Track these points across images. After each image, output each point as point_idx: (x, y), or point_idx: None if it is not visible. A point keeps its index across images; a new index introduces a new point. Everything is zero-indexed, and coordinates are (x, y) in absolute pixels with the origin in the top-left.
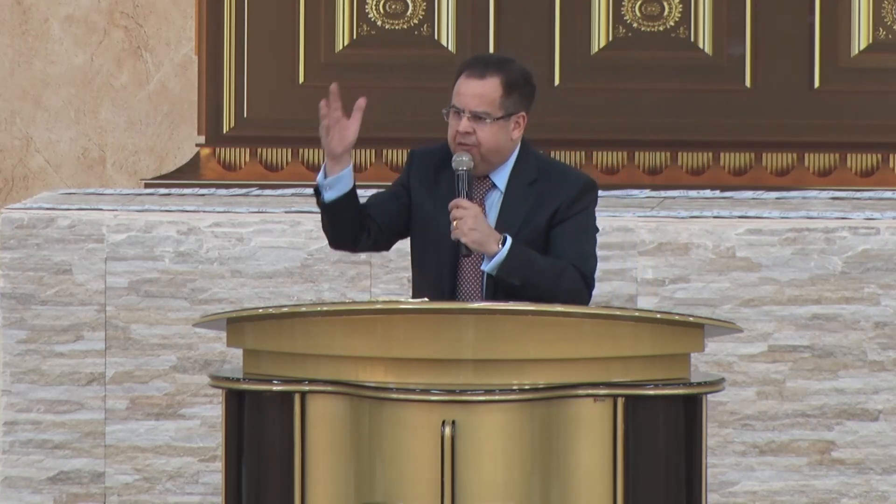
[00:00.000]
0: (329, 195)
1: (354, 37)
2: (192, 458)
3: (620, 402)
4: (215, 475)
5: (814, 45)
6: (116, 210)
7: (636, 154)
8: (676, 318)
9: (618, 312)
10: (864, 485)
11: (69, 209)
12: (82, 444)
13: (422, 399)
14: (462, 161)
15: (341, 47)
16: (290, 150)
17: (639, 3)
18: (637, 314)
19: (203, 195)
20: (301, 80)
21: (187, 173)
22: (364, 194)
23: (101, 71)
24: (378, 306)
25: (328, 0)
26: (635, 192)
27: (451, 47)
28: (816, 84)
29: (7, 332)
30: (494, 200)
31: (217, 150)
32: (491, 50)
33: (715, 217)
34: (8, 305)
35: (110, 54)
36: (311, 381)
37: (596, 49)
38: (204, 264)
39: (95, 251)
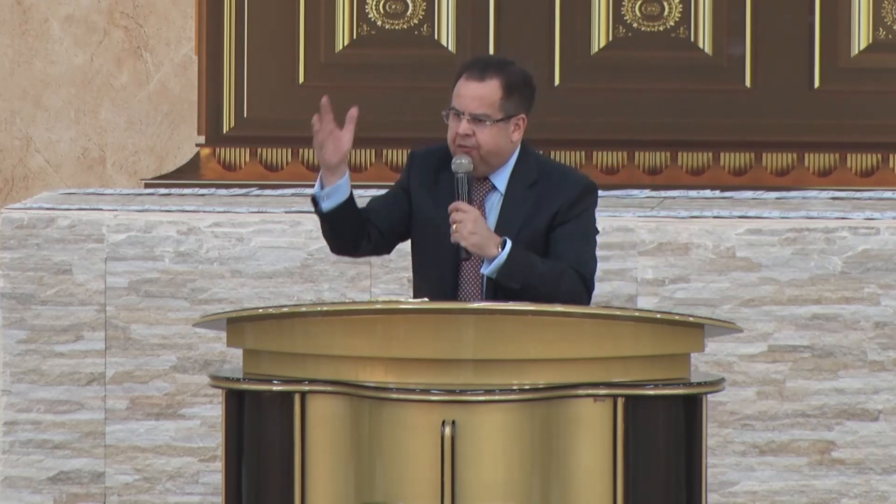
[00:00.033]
0: (327, 205)
1: (354, 37)
2: (192, 458)
3: (620, 402)
4: (215, 475)
5: (814, 45)
6: (116, 210)
7: (636, 154)
8: (676, 318)
9: (618, 312)
10: (864, 485)
11: (69, 209)
12: (82, 444)
13: (422, 399)
14: (461, 164)
15: (341, 47)
16: (290, 150)
17: (639, 3)
18: (637, 314)
19: (203, 195)
20: (301, 80)
21: (187, 173)
22: (364, 194)
23: (101, 71)
24: (378, 306)
25: (328, 0)
26: (635, 192)
27: (451, 47)
28: (816, 84)
29: (7, 332)
30: (494, 202)
31: (217, 150)
32: (491, 50)
33: (715, 217)
34: (8, 305)
35: (110, 54)
36: (311, 381)
37: (596, 49)
38: (204, 264)
39: (95, 251)
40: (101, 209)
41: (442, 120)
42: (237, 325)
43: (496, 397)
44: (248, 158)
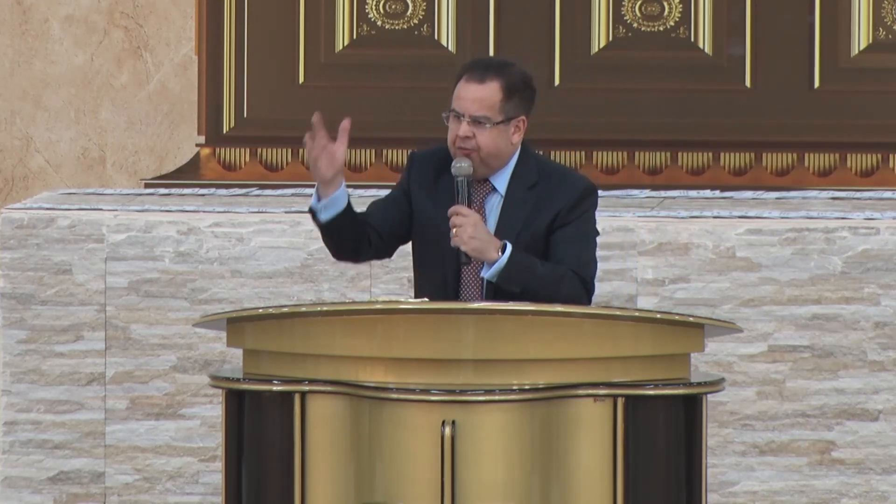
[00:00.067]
0: (325, 216)
1: (354, 37)
2: (192, 458)
3: (620, 402)
4: (215, 475)
5: (814, 45)
6: (116, 210)
7: (636, 154)
8: (676, 318)
9: (618, 312)
10: (864, 485)
11: (69, 209)
12: (82, 444)
13: (422, 399)
14: (461, 167)
15: (341, 47)
16: (290, 150)
17: (639, 3)
18: (637, 314)
19: (203, 195)
20: (301, 80)
21: (187, 173)
22: (364, 194)
23: (101, 71)
24: (378, 306)
25: (328, 0)
26: (635, 192)
27: (451, 47)
28: (816, 84)
29: (7, 332)
30: (494, 204)
31: (217, 150)
32: (491, 50)
33: (715, 217)
34: (8, 305)
35: (110, 54)
36: (311, 381)
37: (596, 49)
38: (204, 264)
39: (95, 251)
40: (101, 209)
41: (442, 120)
42: (237, 325)
43: (496, 397)
44: (248, 158)
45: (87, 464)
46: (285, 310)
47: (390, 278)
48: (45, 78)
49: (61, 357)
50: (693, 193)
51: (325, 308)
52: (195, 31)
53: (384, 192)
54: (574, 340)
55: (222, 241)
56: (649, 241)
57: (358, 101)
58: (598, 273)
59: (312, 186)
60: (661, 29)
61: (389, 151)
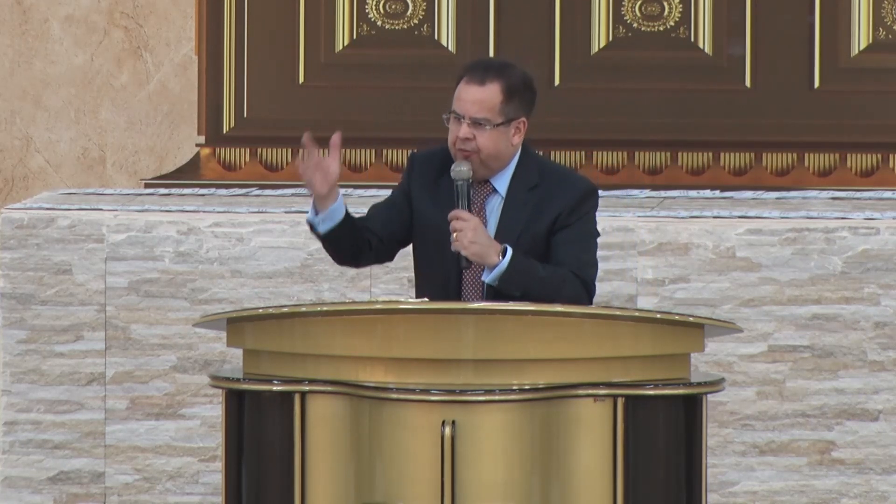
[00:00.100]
0: (323, 228)
1: (354, 37)
2: (192, 458)
3: (620, 402)
4: (215, 475)
5: (814, 45)
6: (116, 210)
7: (636, 154)
8: (676, 318)
9: (618, 312)
10: (864, 485)
11: (69, 209)
12: (82, 444)
13: (422, 399)
14: (461, 171)
15: (341, 47)
16: (290, 150)
17: (639, 3)
18: (637, 314)
19: (203, 195)
20: (301, 80)
21: (187, 173)
22: (364, 194)
23: (101, 71)
24: (378, 306)
25: (328, 0)
26: (635, 192)
27: (451, 47)
28: (816, 84)
29: (7, 332)
30: (495, 205)
31: (217, 150)
32: (491, 50)
33: (715, 217)
34: (8, 305)
35: (110, 54)
36: (311, 381)
37: (596, 49)
38: (204, 264)
39: (95, 251)
40: (101, 209)
41: (442, 120)
42: (237, 325)
43: (496, 397)
44: (248, 158)
45: (87, 464)
46: (285, 310)
47: (390, 278)
48: (45, 78)
49: (61, 357)
50: (693, 193)
51: (325, 308)
52: (195, 31)
53: (384, 192)
54: (574, 340)
55: (222, 241)
56: (649, 241)
57: (358, 101)
58: (599, 273)
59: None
60: (661, 29)
61: (389, 151)
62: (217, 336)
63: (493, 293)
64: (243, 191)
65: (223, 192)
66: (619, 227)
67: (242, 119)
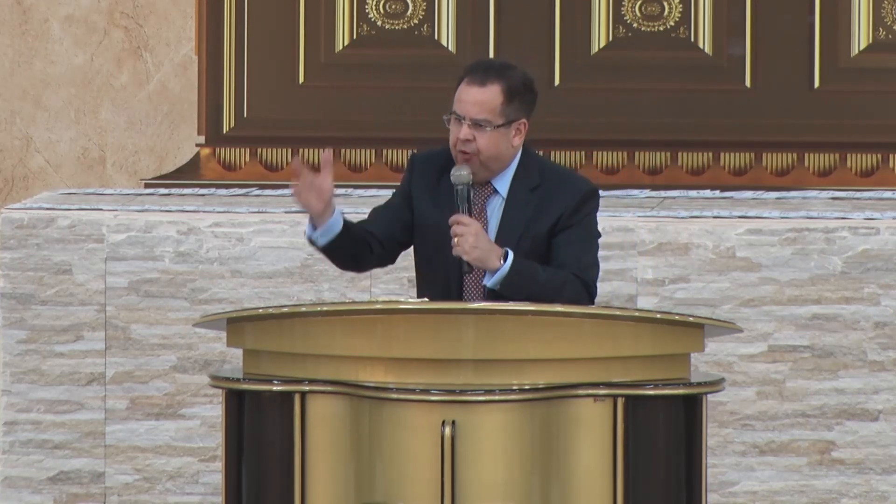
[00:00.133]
0: (323, 241)
1: (354, 37)
2: (192, 458)
3: (620, 402)
4: (215, 475)
5: (814, 45)
6: (116, 210)
7: (636, 154)
8: (676, 318)
9: (618, 312)
10: (864, 485)
11: (69, 209)
12: (82, 444)
13: (422, 399)
14: (461, 176)
15: (341, 47)
16: (290, 150)
17: (639, 3)
18: (637, 314)
19: (203, 195)
20: (301, 80)
21: (187, 173)
22: (364, 194)
23: (101, 71)
24: (378, 306)
25: (328, 0)
26: (635, 192)
27: (451, 47)
28: (816, 84)
29: (7, 332)
30: (496, 206)
31: (217, 150)
32: (491, 50)
33: (715, 217)
34: (8, 305)
35: (110, 54)
36: (311, 381)
37: (596, 49)
38: (204, 264)
39: (95, 251)
40: (101, 209)
41: (442, 120)
42: (237, 325)
43: (496, 397)
44: (248, 158)
45: (87, 464)
46: (285, 310)
47: (390, 278)
48: (45, 78)
49: (61, 357)
50: (693, 193)
51: (325, 308)
52: (195, 31)
53: (384, 192)
54: (574, 340)
55: (222, 241)
56: (649, 241)
57: (358, 101)
58: (599, 273)
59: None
60: (661, 29)
61: (389, 151)
62: (217, 336)
63: (494, 295)
64: (243, 191)
65: (223, 192)
66: (619, 227)
67: (242, 119)
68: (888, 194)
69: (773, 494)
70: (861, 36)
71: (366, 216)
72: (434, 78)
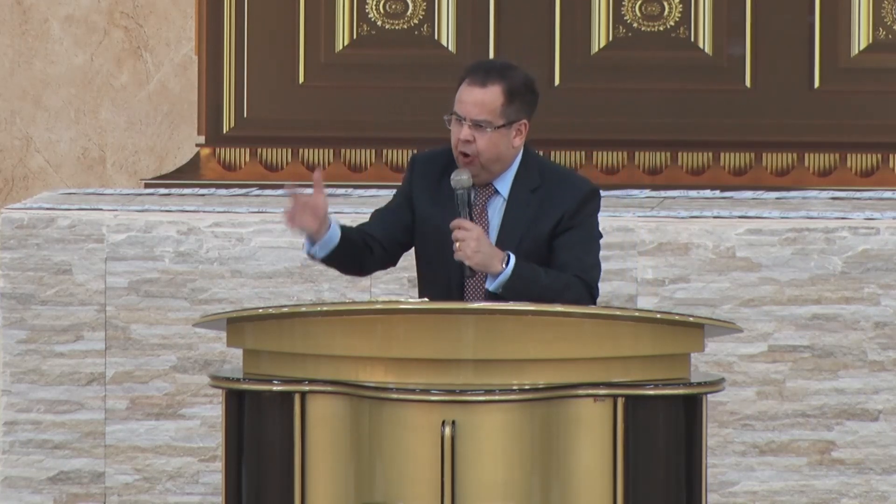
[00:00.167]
0: (322, 254)
1: (354, 37)
2: (192, 458)
3: (620, 402)
4: (215, 475)
5: (814, 45)
6: (116, 210)
7: (636, 154)
8: (676, 318)
9: (618, 312)
10: (864, 485)
11: (69, 209)
12: (82, 444)
13: (422, 399)
14: (461, 180)
15: (341, 47)
16: (290, 150)
17: (639, 3)
18: (637, 314)
19: (203, 195)
20: (301, 80)
21: (187, 173)
22: (364, 194)
23: (101, 71)
24: (378, 306)
25: (328, 0)
26: (635, 192)
27: (451, 47)
28: (816, 84)
29: (7, 332)
30: (497, 207)
31: (217, 150)
32: (491, 50)
33: (715, 217)
34: (8, 305)
35: (110, 54)
36: (311, 381)
37: (596, 49)
38: (204, 264)
39: (95, 251)
40: (101, 209)
41: (442, 120)
42: (237, 325)
43: (496, 397)
44: (248, 158)
45: (87, 464)
46: (285, 310)
47: (390, 278)
48: (45, 78)
49: (61, 357)
50: (693, 193)
51: (325, 308)
52: (195, 31)
53: (384, 192)
54: (574, 340)
55: (222, 241)
56: (649, 241)
57: (358, 101)
58: (601, 274)
59: (312, 186)
60: (661, 29)
61: (389, 151)
62: (217, 336)
63: (495, 296)
64: (243, 191)
65: (223, 192)
66: (619, 227)
67: (242, 119)
68: (888, 194)
69: (773, 494)
70: (861, 36)
71: (366, 216)
72: (434, 78)
